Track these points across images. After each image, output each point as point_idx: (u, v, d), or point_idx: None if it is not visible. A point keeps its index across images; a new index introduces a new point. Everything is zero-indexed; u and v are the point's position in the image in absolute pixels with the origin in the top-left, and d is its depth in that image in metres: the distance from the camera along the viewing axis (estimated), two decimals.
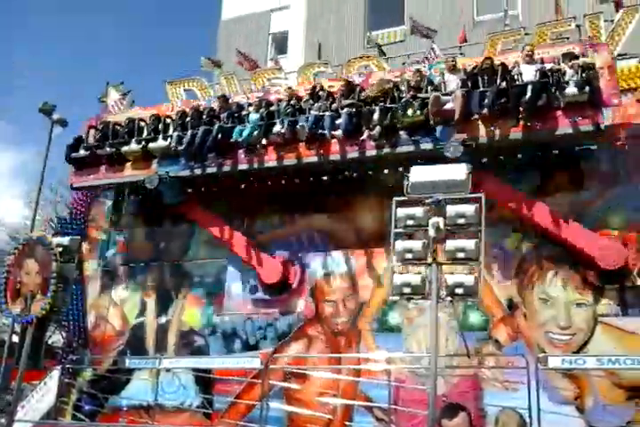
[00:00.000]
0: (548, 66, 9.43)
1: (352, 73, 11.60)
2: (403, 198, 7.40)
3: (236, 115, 10.92)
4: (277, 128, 10.46)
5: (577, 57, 9.40)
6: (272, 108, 10.75)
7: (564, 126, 9.06)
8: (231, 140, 10.64)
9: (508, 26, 12.71)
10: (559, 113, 9.09)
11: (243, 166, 10.80)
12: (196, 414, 10.83)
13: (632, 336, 8.96)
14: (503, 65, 9.52)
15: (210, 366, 10.25)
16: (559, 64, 9.41)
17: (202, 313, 11.43)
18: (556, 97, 9.08)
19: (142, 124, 11.71)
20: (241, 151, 10.75)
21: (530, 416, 7.80)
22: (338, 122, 10.07)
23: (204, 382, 10.79)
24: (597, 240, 9.23)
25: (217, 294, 11.45)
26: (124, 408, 11.20)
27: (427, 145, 9.66)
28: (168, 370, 10.66)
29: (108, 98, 13.66)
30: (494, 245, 9.94)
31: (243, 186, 11.59)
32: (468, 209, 7.21)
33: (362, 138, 9.89)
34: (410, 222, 7.30)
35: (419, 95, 9.72)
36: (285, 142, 10.43)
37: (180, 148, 10.83)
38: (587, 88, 8.95)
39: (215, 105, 11.43)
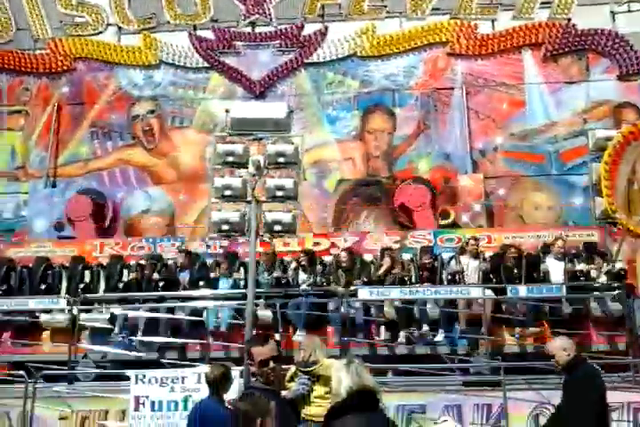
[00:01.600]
0: (578, 266, 7.71)
1: None
2: (223, 134, 7.22)
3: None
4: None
5: (599, 253, 8.00)
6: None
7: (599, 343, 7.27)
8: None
9: None
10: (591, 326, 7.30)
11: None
12: None
13: None
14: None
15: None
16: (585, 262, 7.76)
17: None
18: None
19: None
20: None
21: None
22: None
23: None
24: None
25: (16, 230, 10.51)
26: None
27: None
28: None
29: None
30: (313, 185, 10.23)
31: None
32: (288, 148, 7.24)
33: None
34: (230, 159, 7.17)
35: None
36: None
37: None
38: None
39: (178, 255, 8.47)
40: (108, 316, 7.90)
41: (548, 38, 10.67)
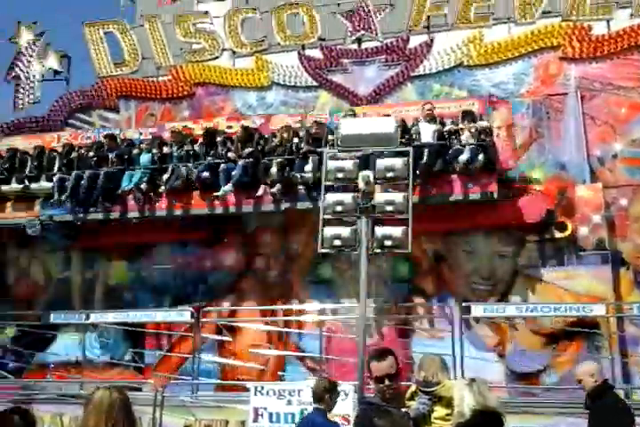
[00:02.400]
0: (447, 122, 9.20)
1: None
2: (333, 151, 7.39)
3: (125, 156, 10.24)
4: (168, 176, 9.83)
5: (475, 119, 9.17)
6: (165, 150, 10.13)
7: (458, 193, 8.94)
8: (120, 191, 10.00)
9: None
10: (454, 177, 8.92)
11: (132, 214, 10.17)
12: (126, 369, 10.78)
13: (549, 286, 9.42)
14: (403, 122, 9.02)
15: (139, 320, 10.14)
16: (457, 124, 9.14)
17: (129, 267, 11.24)
18: (450, 164, 8.86)
19: (26, 157, 10.86)
20: (130, 197, 10.08)
21: (454, 362, 8.16)
22: (233, 173, 9.50)
23: (134, 336, 10.69)
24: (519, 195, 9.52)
25: (145, 247, 11.21)
26: (52, 364, 11.00)
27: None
28: (95, 325, 10.50)
29: (19, 39, 12.87)
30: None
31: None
32: (397, 162, 7.29)
33: (258, 194, 9.49)
34: (340, 175, 7.32)
35: (314, 151, 9.19)
36: (178, 190, 9.86)
37: (65, 194, 10.04)
38: (480, 157, 8.71)
39: (104, 140, 10.65)
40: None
41: None
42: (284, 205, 9.59)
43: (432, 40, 11.24)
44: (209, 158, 9.87)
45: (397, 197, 7.19)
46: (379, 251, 7.22)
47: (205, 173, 9.70)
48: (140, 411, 7.20)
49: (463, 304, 9.10)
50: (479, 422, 2.99)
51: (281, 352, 9.98)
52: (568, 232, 9.41)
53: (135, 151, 10.34)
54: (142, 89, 12.40)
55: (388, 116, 9.15)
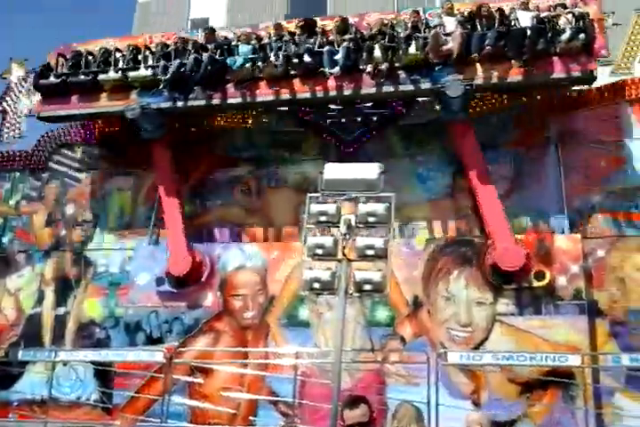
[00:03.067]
0: (543, 14, 9.73)
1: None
2: (316, 195, 7.43)
3: (225, 47, 10.43)
4: (272, 61, 10.07)
5: (569, 8, 9.73)
6: (263, 42, 10.39)
7: (559, 72, 9.45)
8: (227, 65, 10.16)
9: None
10: (555, 59, 9.46)
11: (233, 100, 10.35)
12: (94, 409, 10.47)
13: (526, 335, 9.42)
14: (500, 10, 9.73)
15: (110, 359, 9.91)
16: (554, 11, 9.71)
17: (104, 304, 11.05)
18: (552, 43, 9.40)
19: (118, 55, 10.95)
20: (229, 85, 10.33)
21: (428, 410, 8.05)
22: (336, 57, 9.78)
23: (104, 375, 10.44)
24: (501, 241, 9.62)
25: (121, 284, 11.09)
26: (15, 403, 10.66)
27: (427, 84, 9.70)
28: (65, 363, 10.23)
29: (10, 75, 12.93)
30: (403, 244, 10.22)
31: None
32: (379, 208, 7.34)
33: (367, 71, 9.75)
34: (322, 218, 7.34)
35: (418, 35, 9.73)
36: (279, 77, 10.09)
37: (167, 77, 10.14)
38: (581, 36, 9.32)
39: (199, 38, 10.92)
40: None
41: None
42: (387, 88, 9.77)
43: None
44: (309, 45, 9.97)
45: (378, 241, 7.21)
46: (357, 295, 7.19)
47: (308, 58, 9.81)
48: None
49: (440, 351, 9.05)
50: None
51: (253, 396, 9.77)
52: (546, 281, 9.49)
53: (234, 43, 10.45)
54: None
55: (488, 7, 9.73)
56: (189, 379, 9.84)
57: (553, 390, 9.02)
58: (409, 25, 10.01)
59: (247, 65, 10.14)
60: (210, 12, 17.51)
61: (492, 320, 9.60)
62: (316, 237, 7.34)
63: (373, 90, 9.93)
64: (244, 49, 10.32)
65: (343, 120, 11.25)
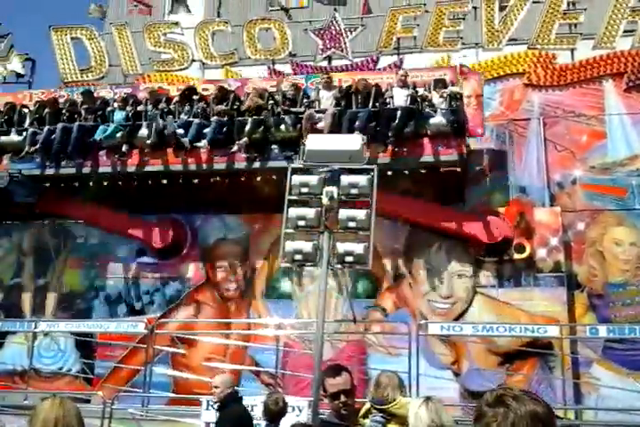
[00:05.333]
0: (419, 90, 9.53)
1: (254, 34, 11.31)
2: (298, 166, 7.38)
3: (99, 112, 10.23)
4: (143, 131, 9.89)
5: (446, 86, 9.56)
6: (139, 108, 10.13)
7: (429, 154, 9.24)
8: (92, 139, 9.93)
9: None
10: (426, 140, 9.25)
11: (104, 169, 10.11)
12: (75, 380, 10.50)
13: (506, 306, 9.54)
14: (377, 86, 9.50)
15: (91, 331, 9.89)
16: (430, 91, 9.51)
17: (84, 276, 10.99)
18: (423, 125, 9.21)
19: None
20: (102, 153, 10.08)
21: (409, 379, 8.15)
22: (205, 131, 9.60)
23: (86, 346, 10.45)
24: (477, 218, 9.65)
25: (101, 256, 11.02)
26: None
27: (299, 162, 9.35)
28: (46, 334, 10.21)
29: None
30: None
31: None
32: (361, 179, 7.30)
33: (232, 150, 9.53)
34: (304, 190, 7.29)
35: (292, 109, 9.55)
36: (151, 146, 9.84)
37: (35, 147, 10.01)
38: (452, 118, 9.14)
39: (78, 98, 10.68)
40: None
41: (631, 68, 10.38)
42: (257, 164, 9.65)
43: (401, 61, 11.40)
44: (183, 116, 9.85)
45: (360, 213, 7.20)
46: (339, 266, 7.21)
47: (180, 130, 9.66)
48: (88, 423, 6.98)
49: (420, 322, 9.15)
50: None
51: (235, 366, 9.84)
52: (526, 254, 9.57)
53: (109, 109, 10.30)
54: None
55: (365, 82, 9.60)
56: (172, 349, 9.87)
57: (532, 360, 9.18)
58: (288, 95, 9.81)
59: (119, 134, 9.91)
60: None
61: (473, 292, 9.70)
62: (298, 209, 7.32)
63: (243, 165, 9.71)
64: (117, 116, 10.12)
65: None
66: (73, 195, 10.71)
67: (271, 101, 9.77)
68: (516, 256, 9.59)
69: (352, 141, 7.49)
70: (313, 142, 7.50)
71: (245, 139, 9.45)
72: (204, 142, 9.51)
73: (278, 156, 9.56)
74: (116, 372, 10.23)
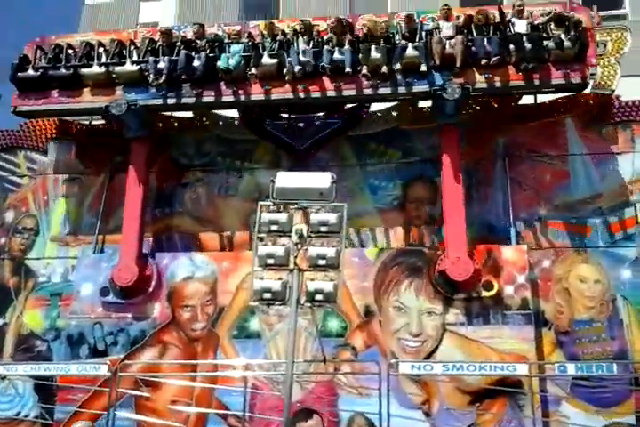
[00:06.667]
0: (537, 21, 9.94)
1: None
2: (267, 203, 7.36)
3: (215, 44, 10.25)
4: (266, 60, 9.97)
5: (565, 16, 9.92)
6: (256, 42, 10.27)
7: (557, 78, 9.68)
8: (219, 67, 10.00)
9: None
10: (551, 65, 9.67)
11: (227, 98, 10.17)
12: (33, 426, 10.06)
13: (475, 344, 9.52)
14: (502, 14, 9.90)
15: (51, 373, 9.53)
16: (548, 21, 9.90)
17: (45, 316, 10.68)
18: (547, 50, 9.64)
19: (101, 49, 10.59)
20: (222, 83, 10.17)
21: (380, 421, 8.01)
22: (337, 58, 9.82)
23: (45, 390, 10.05)
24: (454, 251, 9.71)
25: (63, 295, 10.73)
26: None
27: (423, 87, 9.80)
28: (3, 378, 9.80)
29: None
30: (354, 254, 10.21)
31: None
32: (331, 217, 7.31)
33: (363, 73, 9.74)
34: (274, 227, 7.27)
35: (414, 38, 9.84)
36: (273, 76, 10.00)
37: (161, 78, 9.99)
38: (576, 43, 9.56)
39: (188, 33, 10.67)
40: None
41: (592, 110, 10.72)
42: (384, 90, 9.85)
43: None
44: (304, 47, 9.97)
45: (330, 251, 7.18)
46: (309, 305, 7.13)
47: (304, 58, 9.79)
48: None
49: (391, 361, 9.05)
50: None
51: (200, 409, 9.55)
52: (494, 291, 9.62)
53: (226, 41, 10.35)
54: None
55: (486, 11, 9.98)
56: (135, 393, 9.55)
57: (502, 399, 9.12)
58: (404, 28, 10.13)
59: (242, 63, 10.04)
60: (159, 16, 17.35)
61: (442, 330, 9.67)
62: (267, 247, 7.26)
63: (370, 91, 9.97)
64: (235, 48, 10.19)
65: (297, 127, 11.21)
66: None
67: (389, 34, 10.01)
68: (485, 294, 9.63)
69: (322, 179, 7.52)
70: (283, 180, 7.50)
71: (386, 66, 9.70)
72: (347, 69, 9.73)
73: (402, 82, 9.81)
74: (77, 416, 9.77)
